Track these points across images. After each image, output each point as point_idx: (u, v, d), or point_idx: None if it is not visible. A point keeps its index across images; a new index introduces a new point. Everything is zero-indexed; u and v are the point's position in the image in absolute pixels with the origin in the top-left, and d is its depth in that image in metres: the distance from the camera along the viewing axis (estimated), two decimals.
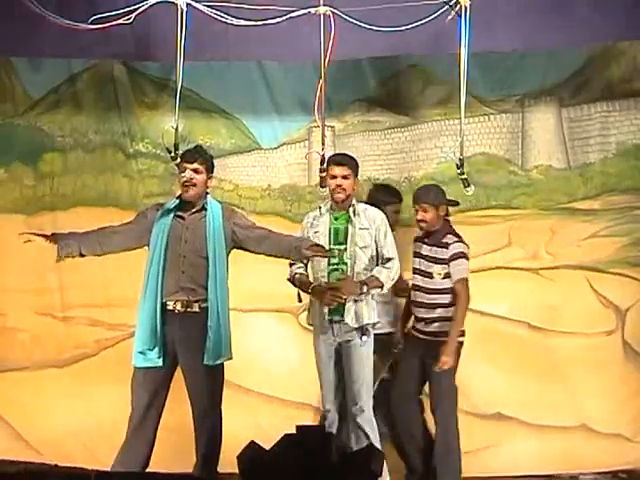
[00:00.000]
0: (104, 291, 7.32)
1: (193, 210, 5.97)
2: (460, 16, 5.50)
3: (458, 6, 5.52)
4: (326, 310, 6.11)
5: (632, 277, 7.07)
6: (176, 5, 5.52)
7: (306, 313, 6.34)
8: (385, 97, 7.30)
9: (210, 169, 6.02)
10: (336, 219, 6.21)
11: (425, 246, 6.45)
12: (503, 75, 7.15)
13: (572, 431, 6.95)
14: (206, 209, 5.96)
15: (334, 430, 6.09)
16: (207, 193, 6.05)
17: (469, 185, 5.84)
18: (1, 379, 7.27)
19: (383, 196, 6.77)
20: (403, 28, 5.55)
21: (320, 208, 6.26)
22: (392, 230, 6.39)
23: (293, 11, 5.57)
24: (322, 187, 5.86)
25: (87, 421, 7.12)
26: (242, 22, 5.63)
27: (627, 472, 6.81)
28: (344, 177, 6.15)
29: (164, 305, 5.84)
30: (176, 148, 5.69)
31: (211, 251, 5.89)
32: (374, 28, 5.56)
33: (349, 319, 6.10)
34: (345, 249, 6.15)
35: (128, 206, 7.22)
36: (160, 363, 5.81)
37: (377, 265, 6.20)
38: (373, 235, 6.19)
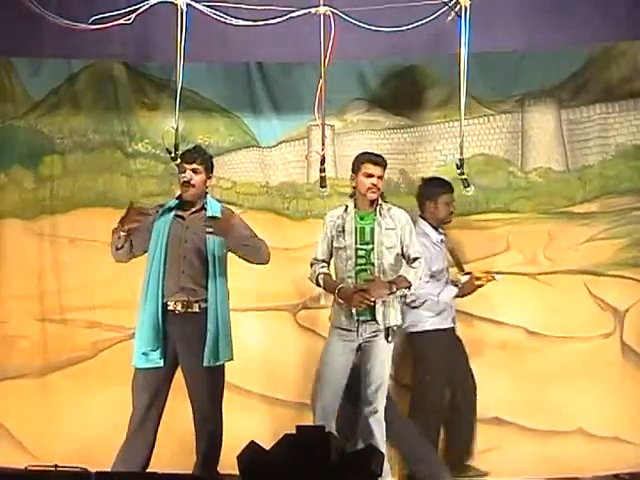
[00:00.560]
0: (102, 293, 7.32)
1: (193, 210, 5.98)
2: (460, 16, 5.50)
3: (458, 6, 5.52)
4: (354, 310, 6.08)
5: (631, 278, 7.08)
6: (176, 5, 5.52)
7: (331, 312, 6.26)
8: (385, 97, 7.32)
9: (209, 169, 6.04)
10: (362, 218, 6.20)
11: None
12: (503, 76, 7.16)
13: (571, 435, 6.95)
14: (206, 209, 5.97)
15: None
16: (207, 193, 6.06)
17: (469, 185, 5.84)
18: (1, 388, 7.27)
19: (435, 187, 6.82)
20: (403, 28, 5.54)
21: (346, 207, 6.23)
22: (448, 222, 6.61)
23: (293, 11, 5.57)
24: (322, 187, 5.85)
25: (87, 424, 7.11)
26: (242, 22, 5.63)
27: (630, 475, 6.79)
28: (379, 177, 6.16)
29: (165, 305, 5.85)
30: (176, 148, 5.70)
31: (210, 251, 5.90)
32: (374, 28, 5.55)
33: (379, 319, 6.09)
34: (372, 249, 6.13)
35: (125, 205, 7.21)
36: (161, 364, 5.82)
37: (403, 265, 6.21)
38: (399, 235, 6.19)
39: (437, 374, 6.70)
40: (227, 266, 6.02)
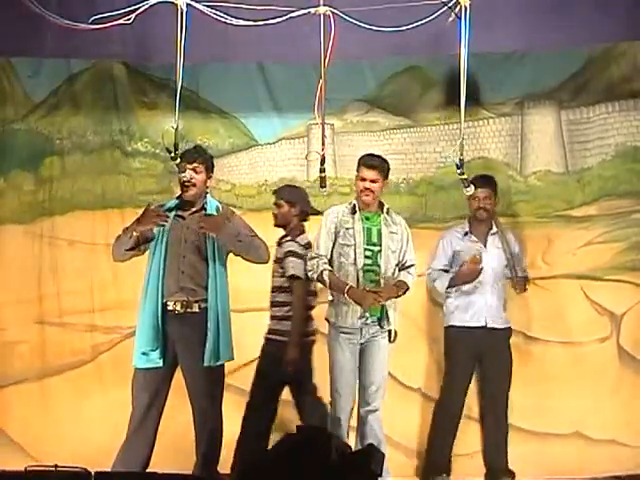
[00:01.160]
0: (101, 295, 7.32)
1: (193, 210, 5.97)
2: (460, 17, 5.49)
3: (458, 7, 5.50)
4: (362, 311, 6.07)
5: (628, 282, 7.10)
6: (176, 5, 5.51)
7: (328, 309, 6.23)
8: (384, 98, 7.34)
9: (210, 169, 6.03)
10: (367, 219, 6.20)
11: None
12: (502, 77, 7.17)
13: (568, 437, 6.97)
14: (206, 209, 5.97)
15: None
16: (207, 193, 6.06)
17: (469, 185, 5.83)
18: (2, 394, 7.26)
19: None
20: (403, 28, 5.53)
21: (354, 205, 6.20)
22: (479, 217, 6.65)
23: (293, 11, 5.55)
24: (322, 187, 5.83)
25: (88, 426, 7.11)
26: (242, 22, 5.61)
27: (629, 477, 6.80)
28: (372, 181, 6.15)
29: (164, 305, 5.84)
30: (176, 148, 5.67)
31: (210, 251, 5.90)
32: (374, 28, 5.54)
33: (385, 322, 6.12)
34: (379, 251, 6.14)
35: (126, 204, 7.25)
36: (161, 364, 5.81)
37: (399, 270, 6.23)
38: (400, 240, 6.22)
39: (456, 374, 6.74)
40: (227, 266, 6.02)
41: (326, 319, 6.24)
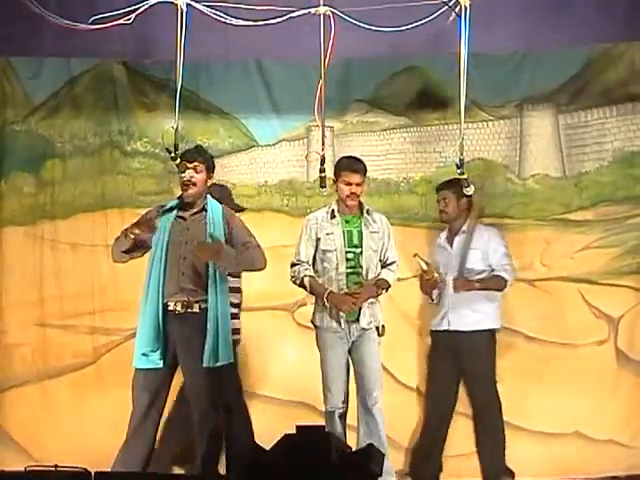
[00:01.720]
0: (101, 297, 7.30)
1: (194, 211, 5.93)
2: (460, 16, 5.44)
3: (458, 6, 5.46)
4: (342, 313, 6.11)
5: (625, 286, 7.10)
6: (176, 5, 5.46)
7: (313, 313, 6.27)
8: (384, 98, 7.31)
9: (211, 169, 6.00)
10: (347, 222, 6.22)
11: None
12: (502, 79, 7.17)
13: (568, 437, 6.97)
14: (206, 210, 5.93)
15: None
16: (207, 193, 6.03)
17: (469, 185, 5.79)
18: (4, 397, 7.23)
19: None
20: (403, 28, 5.49)
21: (333, 210, 6.22)
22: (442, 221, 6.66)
23: (293, 11, 5.51)
24: (322, 187, 5.79)
25: (90, 429, 7.08)
26: (242, 22, 5.57)
27: (628, 477, 6.79)
28: (357, 184, 6.18)
29: (165, 306, 5.81)
30: (176, 148, 5.60)
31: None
32: (374, 28, 5.50)
33: (364, 322, 6.14)
34: (361, 253, 6.16)
35: (125, 204, 7.24)
36: (160, 365, 5.78)
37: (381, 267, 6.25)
38: (381, 238, 6.24)
39: (434, 379, 6.79)
40: None
41: (312, 322, 6.28)
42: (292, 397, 7.13)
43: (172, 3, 5.47)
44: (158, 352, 5.77)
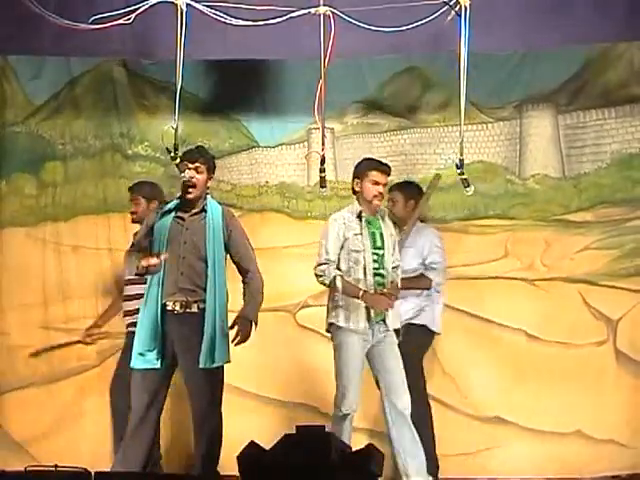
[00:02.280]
0: (104, 300, 7.24)
1: (193, 211, 5.88)
2: (460, 16, 5.42)
3: (458, 6, 5.44)
4: (373, 313, 6.04)
5: (623, 288, 7.07)
6: (176, 5, 5.44)
7: (332, 313, 6.14)
8: (384, 99, 7.32)
9: (211, 169, 5.95)
10: (369, 223, 6.16)
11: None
12: (501, 80, 7.17)
13: (568, 436, 6.94)
14: (206, 210, 5.88)
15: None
16: (207, 194, 5.97)
17: (469, 185, 5.75)
18: (7, 398, 7.20)
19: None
20: (403, 28, 5.46)
21: (360, 211, 6.14)
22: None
23: (293, 11, 5.49)
24: (322, 187, 5.76)
25: (90, 428, 7.08)
26: (242, 22, 5.54)
27: (629, 476, 6.78)
28: (384, 184, 6.15)
29: (164, 306, 5.76)
30: (176, 148, 5.57)
31: (210, 253, 5.81)
32: (374, 28, 5.47)
33: (391, 324, 6.10)
34: (384, 254, 6.12)
35: (127, 208, 7.12)
36: (158, 365, 5.72)
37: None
38: (394, 240, 6.23)
39: None
40: (226, 268, 5.92)
41: (332, 323, 6.14)
42: (293, 399, 7.12)
43: (172, 3, 5.45)
44: (155, 352, 5.72)
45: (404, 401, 6.03)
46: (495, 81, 7.11)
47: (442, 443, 6.62)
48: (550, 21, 5.78)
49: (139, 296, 6.18)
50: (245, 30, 5.56)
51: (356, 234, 6.09)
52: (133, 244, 6.03)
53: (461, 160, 5.70)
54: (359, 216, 6.12)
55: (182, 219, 5.88)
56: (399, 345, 6.25)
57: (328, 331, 6.17)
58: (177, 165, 5.72)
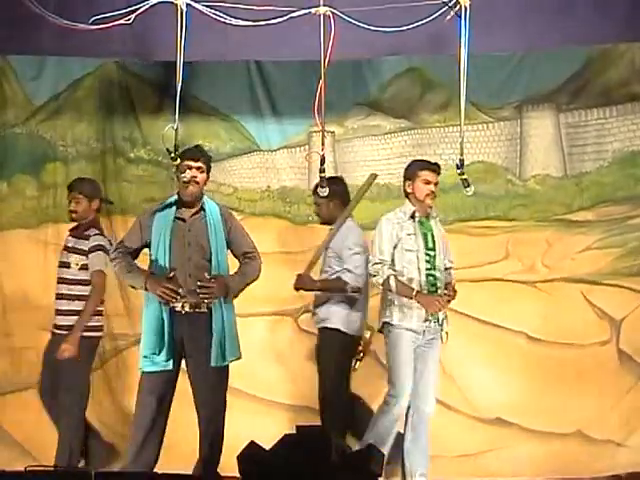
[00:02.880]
0: (108, 302, 7.00)
1: (193, 211, 5.82)
2: (460, 16, 5.37)
3: (458, 6, 5.39)
4: (427, 314, 6.00)
5: (626, 287, 7.04)
6: (176, 5, 5.39)
7: (385, 312, 6.12)
8: (384, 101, 7.28)
9: (209, 169, 5.92)
10: (421, 224, 6.13)
11: (70, 237, 6.53)
12: (501, 80, 7.13)
13: (569, 437, 6.90)
14: (204, 210, 5.83)
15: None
16: (203, 193, 5.91)
17: (469, 185, 5.70)
18: (8, 399, 7.17)
19: None
20: (403, 28, 5.42)
21: (413, 211, 6.11)
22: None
23: (293, 11, 5.43)
24: (322, 187, 5.71)
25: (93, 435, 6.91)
26: (242, 22, 5.49)
27: (628, 474, 6.75)
28: (435, 183, 6.10)
29: (172, 307, 5.67)
30: (176, 149, 5.51)
31: (214, 251, 5.77)
32: (373, 28, 5.43)
33: (444, 325, 6.07)
34: (435, 255, 6.10)
35: (129, 212, 7.14)
36: (170, 367, 5.65)
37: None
38: (444, 241, 6.20)
39: None
40: (229, 267, 5.89)
41: (385, 322, 6.10)
42: (296, 402, 7.09)
43: (172, 3, 5.40)
44: (163, 353, 5.64)
45: (431, 405, 6.04)
46: (495, 81, 7.08)
47: (443, 444, 6.60)
48: (550, 22, 5.79)
49: (73, 297, 6.35)
50: (245, 30, 5.50)
51: (409, 234, 6.07)
52: (121, 245, 5.88)
53: (461, 160, 5.65)
54: (412, 216, 6.09)
55: (183, 220, 5.81)
56: (319, 350, 6.35)
57: (380, 331, 6.15)
58: (177, 166, 5.66)
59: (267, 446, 4.15)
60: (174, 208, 5.81)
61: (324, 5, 5.41)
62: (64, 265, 6.53)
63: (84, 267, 6.46)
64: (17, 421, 7.10)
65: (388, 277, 6.00)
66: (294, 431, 4.21)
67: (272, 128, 7.30)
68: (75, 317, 6.43)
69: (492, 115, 7.18)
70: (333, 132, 7.21)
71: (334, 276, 6.44)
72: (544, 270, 7.10)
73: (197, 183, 5.77)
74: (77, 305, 6.47)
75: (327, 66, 5.42)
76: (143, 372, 5.73)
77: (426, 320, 6.00)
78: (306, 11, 5.43)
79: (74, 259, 6.47)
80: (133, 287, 5.91)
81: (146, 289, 5.66)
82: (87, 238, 6.49)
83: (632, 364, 6.96)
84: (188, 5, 5.41)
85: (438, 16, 5.40)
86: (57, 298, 6.55)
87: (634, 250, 7.06)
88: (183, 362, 5.79)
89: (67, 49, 5.86)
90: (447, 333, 6.09)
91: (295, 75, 6.94)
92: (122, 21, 5.37)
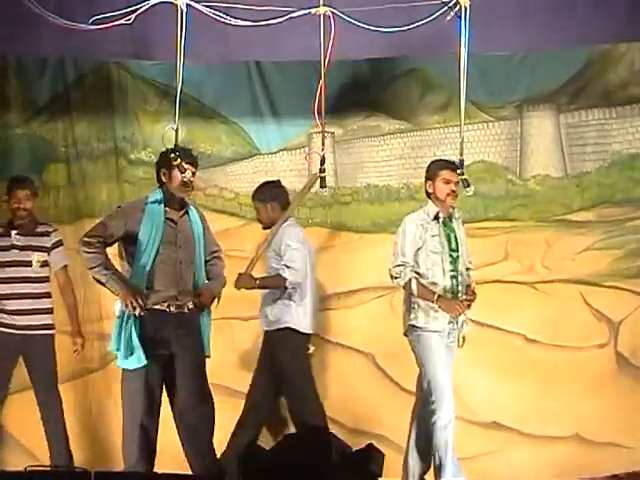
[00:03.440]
0: (110, 305, 6.87)
1: (181, 213, 5.75)
2: (460, 16, 5.35)
3: (458, 7, 5.36)
4: (449, 317, 5.94)
5: (625, 289, 6.96)
6: (176, 5, 5.35)
7: (409, 315, 6.01)
8: (384, 102, 7.21)
9: None
10: (444, 225, 6.05)
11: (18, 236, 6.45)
12: (502, 80, 7.06)
13: (566, 441, 6.84)
14: (189, 212, 5.79)
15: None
16: None
17: (469, 185, 5.70)
18: (9, 399, 6.97)
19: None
20: (404, 28, 5.40)
21: (437, 212, 6.02)
22: None
23: (293, 11, 5.40)
24: (322, 187, 5.69)
25: (92, 432, 6.99)
26: (242, 22, 5.47)
27: (627, 474, 6.68)
28: (456, 182, 5.98)
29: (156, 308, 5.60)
30: (176, 149, 5.51)
31: (198, 253, 5.76)
32: (373, 28, 5.40)
33: (464, 328, 6.01)
34: (458, 257, 6.03)
35: None
36: (145, 362, 5.50)
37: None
38: (465, 242, 6.13)
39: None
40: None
41: (411, 325, 6.00)
42: None
43: (172, 3, 5.37)
44: (140, 351, 5.50)
45: (448, 412, 5.86)
46: (496, 81, 7.01)
47: None
48: (550, 21, 5.81)
49: (38, 295, 6.41)
50: (245, 30, 5.48)
51: (434, 235, 5.98)
52: (97, 235, 5.66)
53: (461, 160, 5.64)
54: (436, 217, 6.01)
55: (174, 221, 5.72)
56: (272, 354, 6.30)
57: (406, 335, 6.05)
58: (177, 166, 5.58)
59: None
60: (162, 207, 5.69)
61: (324, 5, 5.41)
62: (24, 264, 6.44)
63: (45, 264, 6.45)
64: (18, 421, 7.02)
65: (410, 280, 5.91)
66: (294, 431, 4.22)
67: (272, 130, 7.23)
68: (45, 315, 6.43)
69: (492, 114, 7.12)
70: (333, 133, 7.15)
71: (273, 273, 6.40)
72: (544, 271, 7.04)
73: (192, 186, 5.75)
74: (44, 303, 6.49)
75: (327, 66, 5.40)
76: (127, 372, 5.62)
77: (450, 322, 5.94)
78: (306, 11, 5.42)
79: (36, 257, 6.43)
80: (99, 282, 5.71)
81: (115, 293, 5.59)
82: (47, 234, 6.51)
83: (630, 367, 6.90)
84: (188, 5, 5.37)
85: (438, 16, 5.37)
86: (18, 298, 6.45)
87: (633, 252, 6.99)
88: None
89: (67, 49, 5.88)
90: (464, 337, 6.02)
91: (295, 75, 6.89)
92: (122, 21, 5.35)
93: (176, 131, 5.48)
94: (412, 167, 7.14)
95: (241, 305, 6.66)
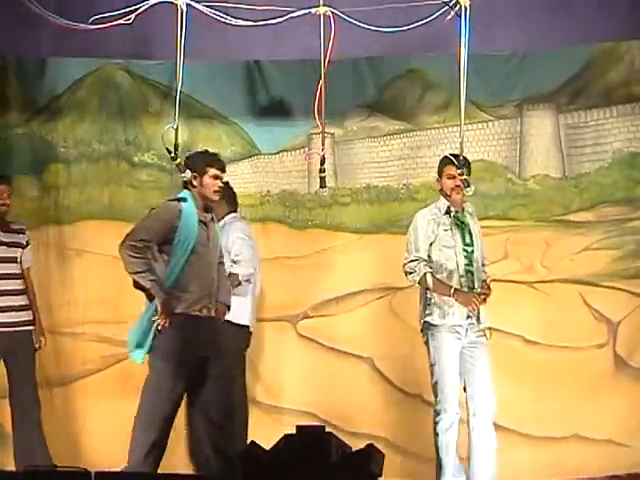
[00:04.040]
0: (114, 307, 7.07)
1: (209, 217, 5.63)
2: (460, 16, 5.33)
3: (458, 6, 5.34)
4: (468, 311, 5.86)
5: (624, 290, 6.94)
6: (176, 5, 5.34)
7: (425, 312, 5.96)
8: (384, 102, 7.20)
9: None
10: (457, 219, 5.99)
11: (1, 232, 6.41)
12: (502, 79, 7.05)
13: (565, 441, 6.81)
14: (213, 216, 5.71)
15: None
16: None
17: (469, 185, 5.70)
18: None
19: None
20: (403, 28, 5.37)
21: (448, 206, 5.97)
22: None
23: (293, 11, 5.38)
24: (321, 187, 5.64)
25: (96, 434, 6.94)
26: (242, 22, 5.45)
27: (627, 475, 6.66)
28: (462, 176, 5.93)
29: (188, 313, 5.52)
30: (176, 148, 5.44)
31: (219, 258, 5.70)
32: (373, 28, 5.38)
33: (484, 322, 5.92)
34: (473, 251, 5.96)
35: (134, 218, 6.95)
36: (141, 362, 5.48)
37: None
38: (480, 236, 6.07)
39: None
40: None
41: (426, 322, 5.94)
42: (295, 406, 7.00)
43: (172, 3, 5.37)
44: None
45: (488, 409, 5.85)
46: (496, 80, 6.99)
47: None
48: (550, 21, 5.82)
49: (21, 292, 6.34)
50: (245, 30, 5.46)
51: (446, 230, 5.94)
52: (141, 240, 5.51)
53: (464, 159, 5.64)
54: (448, 212, 5.97)
55: (205, 225, 5.60)
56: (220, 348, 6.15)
57: (422, 331, 5.98)
58: (177, 165, 5.53)
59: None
60: (195, 209, 5.55)
61: (324, 5, 5.38)
62: (10, 260, 6.40)
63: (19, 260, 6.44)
64: None
65: (425, 274, 5.86)
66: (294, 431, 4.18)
67: (272, 130, 7.21)
68: (29, 311, 6.40)
69: (492, 113, 7.10)
70: (333, 134, 7.12)
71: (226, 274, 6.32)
72: (543, 270, 7.01)
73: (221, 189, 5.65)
74: (24, 300, 6.43)
75: (327, 66, 5.36)
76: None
77: (468, 317, 5.87)
78: (306, 11, 5.40)
79: (19, 254, 6.41)
80: (137, 286, 5.61)
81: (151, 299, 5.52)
82: (22, 232, 6.48)
83: (628, 367, 6.87)
84: (188, 5, 5.37)
85: (438, 16, 5.35)
86: (5, 295, 6.37)
87: (632, 252, 6.96)
88: None
89: (67, 49, 5.87)
90: (490, 328, 5.94)
91: (295, 75, 6.87)
92: (122, 21, 5.33)
93: (176, 130, 5.43)
94: (412, 167, 7.14)
95: None
